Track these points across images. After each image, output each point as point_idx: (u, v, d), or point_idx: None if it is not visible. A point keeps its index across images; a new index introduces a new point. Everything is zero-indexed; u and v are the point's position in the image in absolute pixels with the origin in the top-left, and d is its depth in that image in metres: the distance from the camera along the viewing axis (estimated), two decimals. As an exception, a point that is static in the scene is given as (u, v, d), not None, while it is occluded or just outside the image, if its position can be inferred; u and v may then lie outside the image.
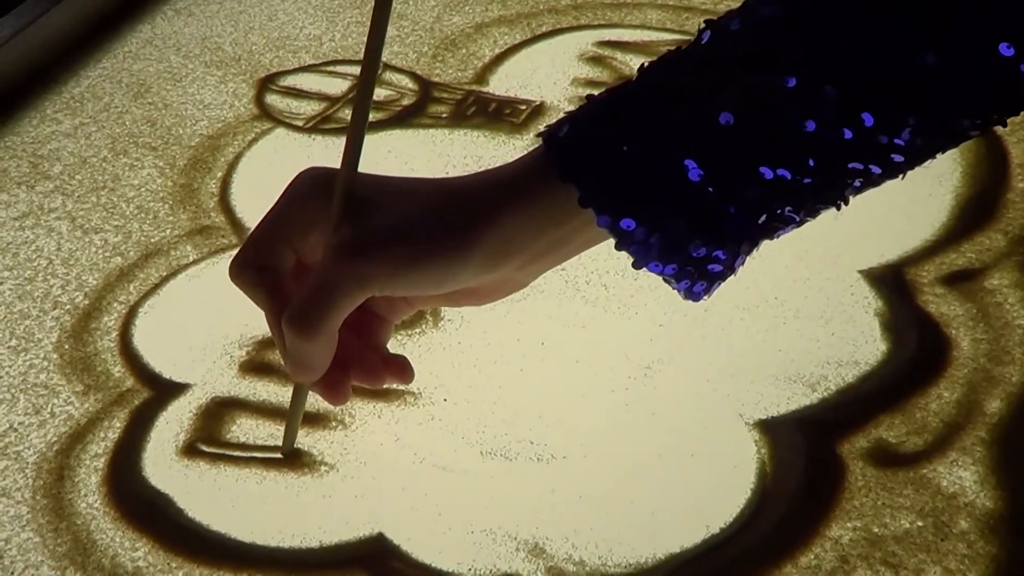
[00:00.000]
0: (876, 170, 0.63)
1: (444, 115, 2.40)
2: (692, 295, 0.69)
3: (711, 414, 1.72)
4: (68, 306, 1.94)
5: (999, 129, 2.26)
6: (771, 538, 1.56)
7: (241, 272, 0.70)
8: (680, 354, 1.81)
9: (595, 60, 2.51)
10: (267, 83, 2.53)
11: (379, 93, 2.47)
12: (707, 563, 1.54)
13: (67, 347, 1.86)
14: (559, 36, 2.66)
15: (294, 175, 0.71)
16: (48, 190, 2.22)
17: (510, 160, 0.88)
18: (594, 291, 1.93)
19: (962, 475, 1.62)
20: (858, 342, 1.82)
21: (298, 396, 0.77)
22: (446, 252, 0.67)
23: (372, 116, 2.38)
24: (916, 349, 1.82)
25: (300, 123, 2.39)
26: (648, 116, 0.64)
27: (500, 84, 2.49)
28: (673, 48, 0.65)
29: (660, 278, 0.69)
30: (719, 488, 1.63)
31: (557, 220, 0.67)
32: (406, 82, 2.51)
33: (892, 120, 0.60)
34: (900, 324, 1.86)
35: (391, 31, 2.68)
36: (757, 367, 1.78)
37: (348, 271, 0.66)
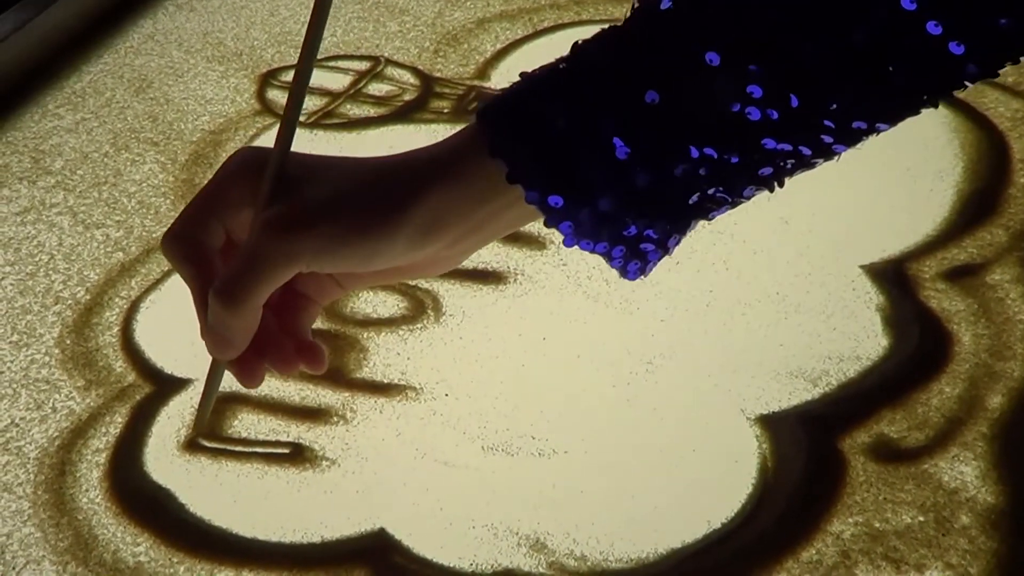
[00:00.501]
0: (806, 151, 0.62)
1: (446, 110, 2.40)
2: (627, 274, 0.69)
3: (712, 409, 1.72)
4: (69, 301, 1.94)
5: (1001, 125, 2.27)
6: (772, 533, 1.56)
7: (171, 245, 0.70)
8: (681, 349, 1.81)
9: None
10: (269, 78, 2.54)
11: (381, 88, 2.47)
12: (708, 558, 1.54)
13: (68, 342, 1.86)
14: (561, 31, 2.66)
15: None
16: (49, 185, 2.22)
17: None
18: (596, 287, 1.93)
19: (963, 470, 1.62)
20: (859, 337, 1.82)
21: (214, 375, 0.76)
22: (374, 228, 0.67)
23: (374, 111, 2.39)
24: (917, 344, 1.82)
25: (302, 118, 2.38)
26: (576, 93, 0.64)
27: (502, 79, 2.49)
28: (606, 27, 0.65)
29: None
30: (720, 483, 1.63)
31: (487, 196, 0.67)
32: (408, 77, 2.51)
33: (819, 101, 0.60)
34: (901, 319, 1.86)
35: (393, 26, 2.68)
36: (758, 362, 1.78)
37: (276, 245, 0.66)
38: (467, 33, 2.66)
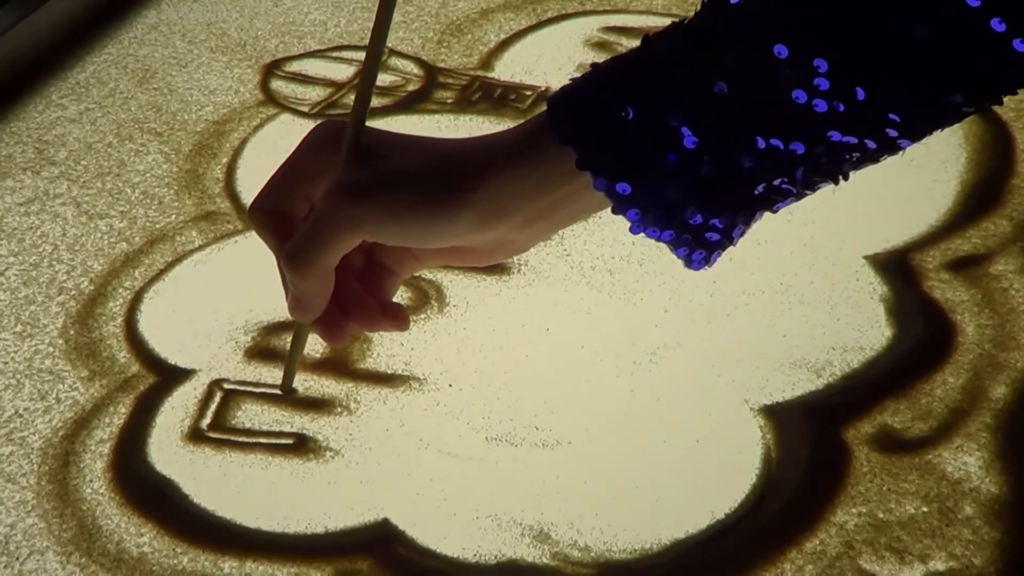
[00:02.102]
0: (871, 144, 0.63)
1: (449, 101, 2.40)
2: (691, 263, 0.70)
3: (716, 400, 1.72)
4: (73, 292, 1.94)
5: (1004, 115, 2.27)
6: (776, 524, 1.57)
7: (256, 215, 0.72)
8: (685, 340, 1.82)
9: (600, 45, 2.51)
10: (272, 69, 2.53)
11: (384, 79, 2.47)
12: (712, 548, 1.54)
13: (72, 333, 1.87)
14: (564, 22, 2.66)
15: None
16: (53, 176, 2.22)
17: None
18: (599, 277, 1.93)
19: (967, 461, 1.62)
20: (863, 328, 1.82)
21: (298, 336, 0.78)
22: (438, 205, 0.68)
23: (377, 102, 2.39)
24: (921, 335, 1.82)
25: (306, 108, 2.39)
26: (647, 83, 0.65)
27: (505, 70, 2.49)
28: (676, 21, 0.66)
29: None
30: (724, 474, 1.63)
31: (554, 183, 0.68)
32: (411, 68, 2.51)
33: (884, 94, 0.61)
34: (905, 310, 1.86)
35: (396, 16, 2.68)
36: (762, 353, 1.78)
37: (341, 212, 0.68)
38: (471, 23, 2.66)
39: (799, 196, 0.68)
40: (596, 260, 1.96)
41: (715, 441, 1.66)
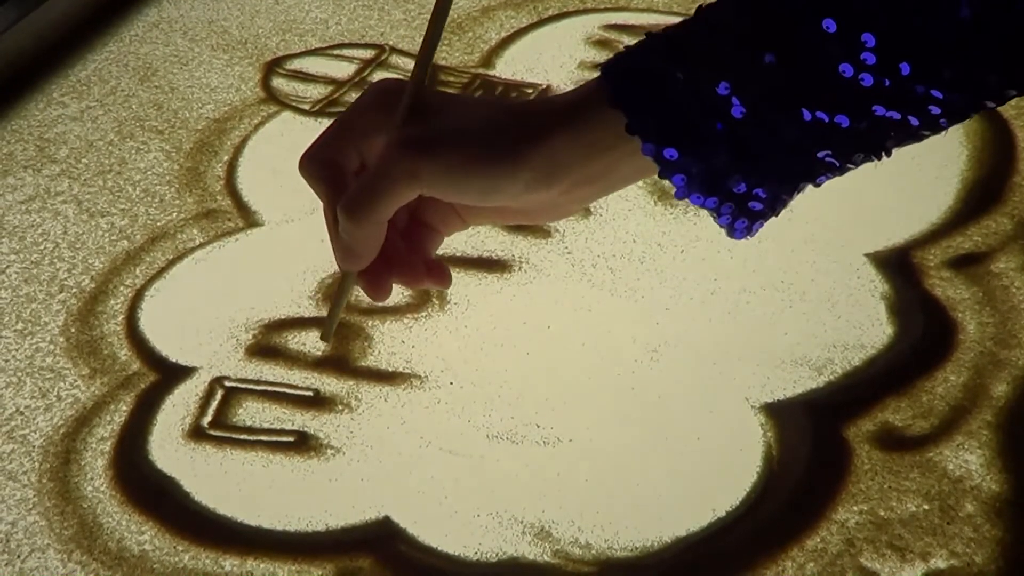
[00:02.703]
0: (914, 121, 0.64)
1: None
2: (734, 232, 0.71)
3: (717, 397, 1.72)
4: (74, 289, 1.94)
5: (1006, 113, 2.27)
6: (777, 521, 1.57)
7: (308, 164, 0.75)
8: (686, 337, 1.82)
9: (602, 43, 2.51)
10: (273, 66, 2.53)
11: (385, 77, 2.47)
12: (713, 546, 1.54)
13: (73, 330, 1.87)
14: (565, 19, 2.66)
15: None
16: (54, 173, 2.22)
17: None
18: (600, 275, 1.93)
19: (968, 458, 1.62)
20: (864, 325, 1.82)
21: (343, 285, 0.80)
22: (494, 164, 0.70)
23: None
24: (922, 332, 1.82)
25: (306, 106, 2.39)
26: (696, 52, 0.67)
27: (506, 67, 2.49)
28: None
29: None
30: (725, 471, 1.63)
31: (605, 146, 0.70)
32: (412, 65, 2.50)
33: (928, 71, 0.62)
34: (906, 307, 1.86)
35: (397, 14, 2.68)
36: (763, 350, 1.78)
37: (401, 165, 0.70)
38: (472, 21, 2.66)
39: (842, 170, 0.70)
40: (597, 258, 1.96)
41: (716, 439, 1.66)
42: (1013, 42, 0.62)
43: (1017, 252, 1.94)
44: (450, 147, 0.72)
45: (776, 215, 0.72)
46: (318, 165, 0.77)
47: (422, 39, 0.75)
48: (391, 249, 0.78)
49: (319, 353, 1.80)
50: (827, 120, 0.66)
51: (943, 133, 0.68)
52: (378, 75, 2.48)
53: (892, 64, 0.63)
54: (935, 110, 0.65)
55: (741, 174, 0.69)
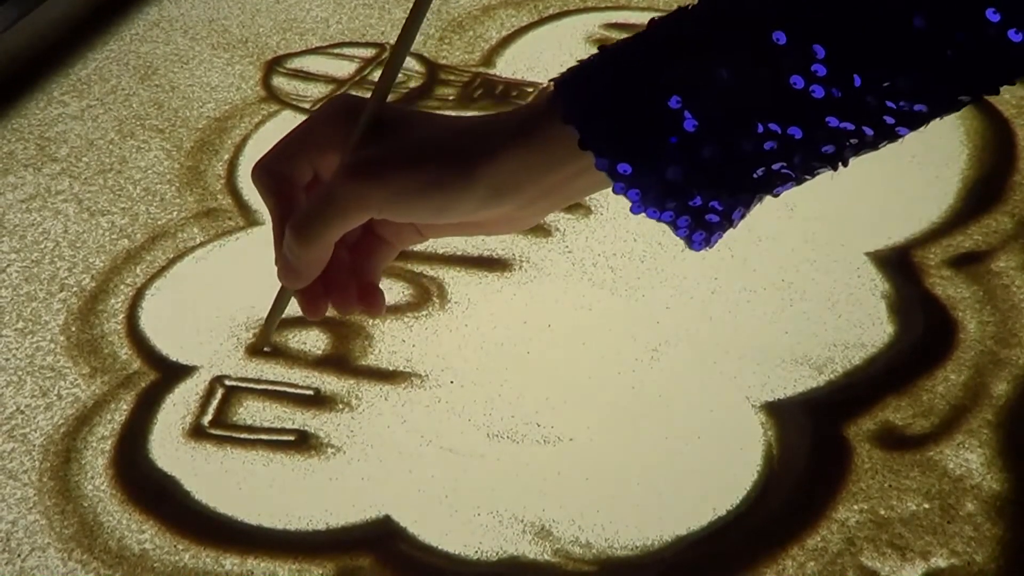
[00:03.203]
0: (869, 132, 0.64)
1: (451, 97, 2.40)
2: (692, 244, 0.71)
3: (718, 396, 1.72)
4: (75, 288, 1.94)
5: (1006, 112, 2.27)
6: (778, 520, 1.57)
7: (260, 175, 0.75)
8: (687, 337, 1.82)
9: (602, 42, 2.50)
10: (274, 65, 2.53)
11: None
12: (714, 545, 1.54)
13: (74, 329, 1.87)
14: (566, 18, 2.66)
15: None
16: (55, 172, 2.22)
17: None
18: (601, 274, 1.93)
19: (969, 457, 1.62)
20: (865, 324, 1.82)
21: (281, 299, 0.81)
22: (446, 185, 0.70)
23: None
24: (923, 331, 1.82)
25: (307, 105, 2.39)
26: (649, 66, 0.67)
27: (507, 66, 2.49)
28: (680, 7, 0.67)
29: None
30: (726, 470, 1.63)
31: (558, 162, 0.70)
32: (413, 64, 2.51)
33: (881, 82, 0.62)
34: (907, 306, 1.86)
35: (398, 13, 2.68)
36: (764, 349, 1.78)
37: (351, 189, 0.70)
38: (472, 20, 2.66)
39: (799, 180, 0.70)
40: (598, 257, 1.96)
41: (716, 438, 1.66)
42: (967, 51, 0.62)
43: (1017, 251, 1.94)
44: (401, 171, 0.71)
45: (734, 226, 0.72)
46: (269, 177, 0.77)
47: (385, 63, 0.75)
48: (332, 269, 0.78)
49: (319, 352, 1.80)
50: (780, 132, 0.65)
51: (900, 141, 0.68)
52: (379, 74, 2.48)
53: (844, 75, 0.63)
54: (889, 120, 0.65)
55: (696, 187, 0.69)
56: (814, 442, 1.66)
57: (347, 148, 0.74)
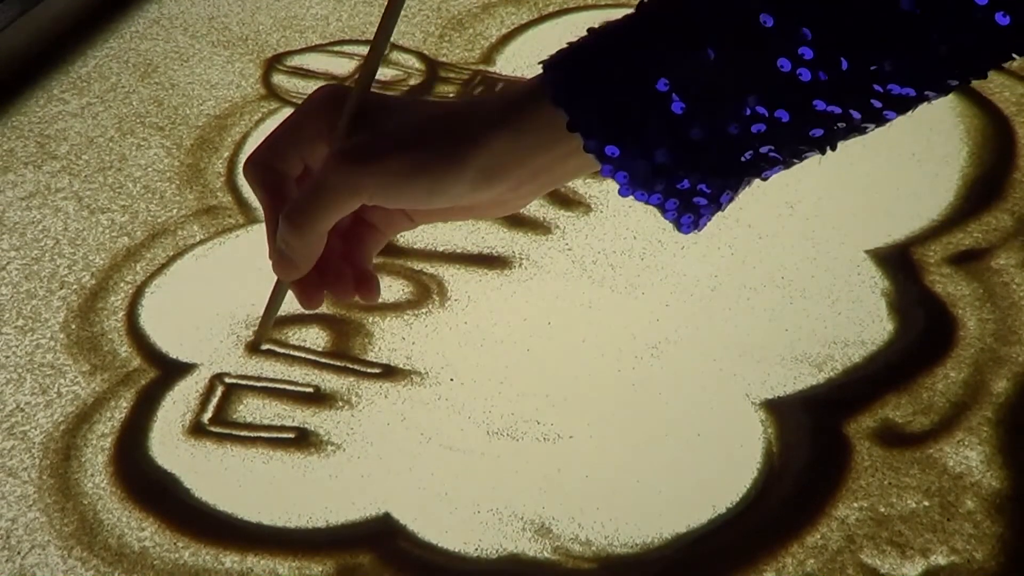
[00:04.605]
0: (856, 115, 0.64)
1: (451, 95, 2.40)
2: (680, 227, 0.71)
3: (717, 394, 1.72)
4: (75, 286, 1.94)
5: (1006, 110, 2.27)
6: (777, 518, 1.57)
7: (251, 169, 0.75)
8: (687, 334, 1.82)
9: (602, 40, 2.50)
10: (274, 63, 2.53)
11: (386, 73, 2.47)
12: (713, 542, 1.54)
13: (74, 327, 1.87)
14: (566, 16, 2.66)
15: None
16: (55, 170, 2.22)
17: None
18: (601, 271, 1.93)
19: (968, 455, 1.62)
20: (865, 322, 1.82)
21: (276, 293, 0.81)
22: (435, 169, 0.70)
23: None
24: (923, 329, 1.82)
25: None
26: (636, 48, 0.67)
27: (507, 64, 2.49)
28: None
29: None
30: (725, 468, 1.63)
31: (547, 144, 0.70)
32: (413, 62, 2.51)
33: (868, 65, 0.62)
34: (907, 304, 1.86)
35: (398, 11, 2.68)
36: (763, 347, 1.78)
37: (341, 177, 0.71)
38: (472, 18, 2.66)
39: (787, 164, 0.70)
40: (597, 254, 1.96)
41: (716, 435, 1.66)
42: (954, 34, 0.62)
43: (1017, 248, 1.94)
44: (391, 156, 0.72)
45: (723, 209, 0.72)
46: (260, 170, 0.77)
47: (368, 49, 0.75)
48: (326, 258, 0.78)
49: (320, 349, 1.80)
50: (767, 115, 0.66)
51: (887, 125, 0.68)
52: (378, 71, 2.48)
53: (831, 58, 0.63)
54: (877, 103, 0.65)
55: (683, 170, 0.69)
56: (814, 439, 1.66)
57: (335, 137, 0.74)
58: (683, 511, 1.57)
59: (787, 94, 0.64)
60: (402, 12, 2.62)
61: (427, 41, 2.57)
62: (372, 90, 0.75)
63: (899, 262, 1.93)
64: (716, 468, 1.62)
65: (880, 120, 0.66)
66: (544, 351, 1.80)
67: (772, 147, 0.67)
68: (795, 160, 0.69)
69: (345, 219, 0.78)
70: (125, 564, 1.53)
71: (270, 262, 0.77)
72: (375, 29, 0.72)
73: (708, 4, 0.65)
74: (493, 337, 1.82)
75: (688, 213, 0.72)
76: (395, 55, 2.52)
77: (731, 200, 0.72)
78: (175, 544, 1.55)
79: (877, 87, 0.64)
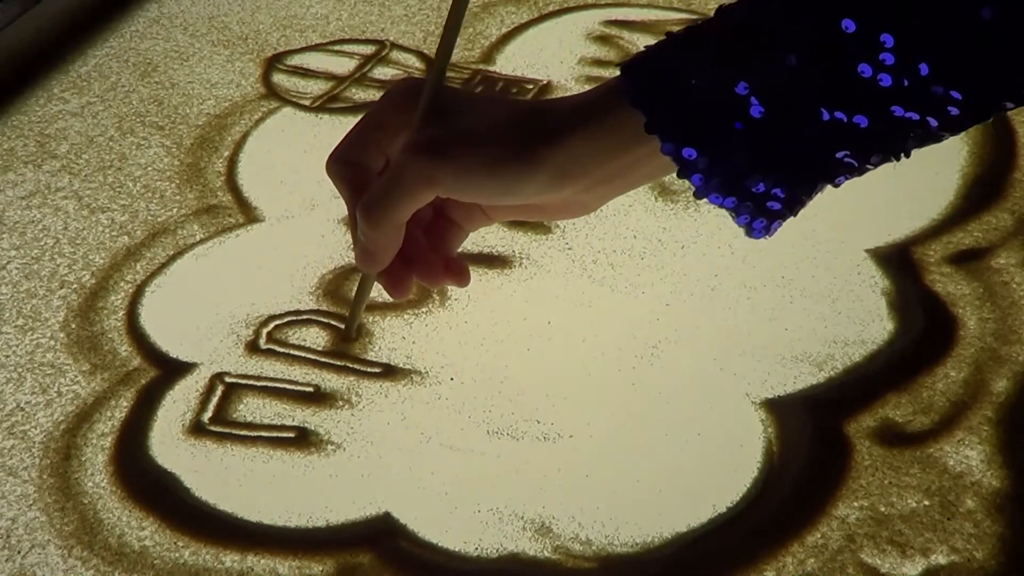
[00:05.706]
0: (933, 122, 0.65)
1: (451, 94, 2.40)
2: (752, 231, 0.72)
3: (717, 393, 1.72)
4: (75, 285, 1.94)
5: (1007, 108, 2.27)
6: (778, 517, 1.57)
7: (334, 165, 0.76)
8: (687, 333, 1.82)
9: (602, 39, 2.51)
10: (274, 62, 2.53)
11: (386, 73, 2.47)
12: (714, 542, 1.54)
13: (74, 326, 1.87)
14: (566, 15, 2.66)
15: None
16: (55, 169, 2.22)
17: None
18: (601, 270, 1.93)
19: (969, 454, 1.62)
20: (865, 321, 1.82)
21: (363, 286, 0.82)
22: (511, 165, 0.71)
23: (379, 96, 2.38)
24: (923, 328, 1.82)
25: (307, 102, 2.38)
26: (717, 52, 0.67)
27: (507, 63, 2.49)
28: None
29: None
30: (725, 467, 1.63)
31: (623, 146, 0.70)
32: (413, 61, 2.51)
33: (947, 72, 0.62)
34: (907, 303, 1.86)
35: (398, 10, 2.68)
36: (764, 346, 1.78)
37: (417, 169, 0.71)
38: (472, 17, 2.66)
39: (861, 171, 0.70)
40: (598, 254, 1.96)
41: (716, 435, 1.66)
42: None
43: (1018, 248, 1.94)
44: (466, 150, 0.72)
45: (795, 215, 0.73)
46: (342, 166, 0.77)
47: (439, 40, 0.76)
48: (411, 247, 0.79)
49: (320, 349, 1.80)
50: (846, 120, 0.66)
51: (963, 132, 0.68)
52: (379, 71, 2.48)
53: (911, 65, 0.63)
54: (954, 111, 0.65)
55: (759, 174, 0.69)
56: (814, 439, 1.66)
57: (411, 129, 0.74)
58: (683, 511, 1.57)
59: (866, 100, 0.65)
60: (402, 11, 2.63)
61: (427, 40, 2.57)
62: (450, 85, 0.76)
63: (899, 261, 1.93)
64: (716, 468, 1.62)
65: (956, 128, 0.67)
66: (544, 350, 1.80)
67: (848, 152, 0.68)
68: (869, 166, 0.70)
69: (426, 213, 0.78)
70: (125, 563, 1.53)
71: (353, 255, 0.78)
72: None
73: (789, 9, 0.65)
74: (493, 336, 1.82)
75: (761, 217, 0.72)
76: (394, 54, 2.52)
77: (803, 206, 0.72)
78: (175, 543, 1.55)
79: (955, 94, 0.64)
